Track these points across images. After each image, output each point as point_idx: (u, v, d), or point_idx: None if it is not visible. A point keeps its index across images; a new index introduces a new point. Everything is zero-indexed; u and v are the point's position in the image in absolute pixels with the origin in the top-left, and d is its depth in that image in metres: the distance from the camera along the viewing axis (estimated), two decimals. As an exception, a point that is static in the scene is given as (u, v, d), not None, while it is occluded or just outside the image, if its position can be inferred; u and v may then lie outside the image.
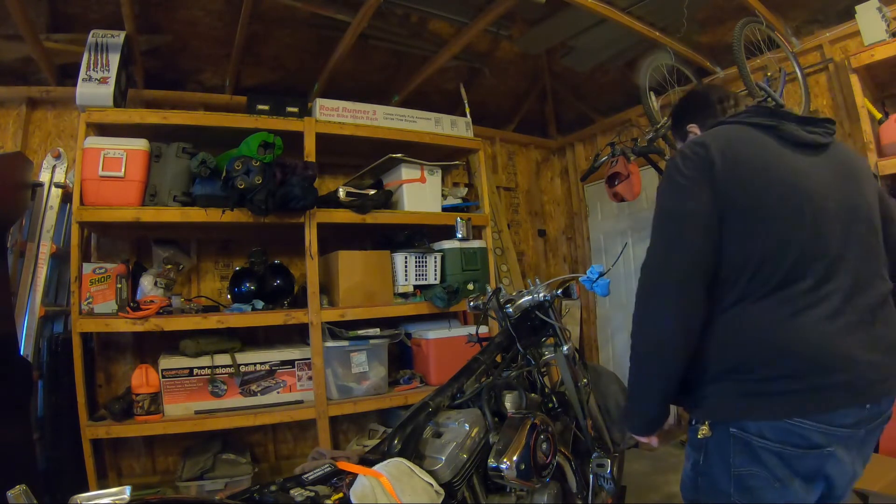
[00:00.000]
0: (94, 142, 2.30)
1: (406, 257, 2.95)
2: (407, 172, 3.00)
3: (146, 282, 2.53)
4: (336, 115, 2.82)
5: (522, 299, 1.80)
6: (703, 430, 1.09)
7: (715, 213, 1.07)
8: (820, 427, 0.99)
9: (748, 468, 1.04)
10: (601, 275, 1.70)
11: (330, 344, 2.61)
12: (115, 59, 2.41)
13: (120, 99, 2.46)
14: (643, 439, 1.24)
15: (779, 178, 1.10)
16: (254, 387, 2.53)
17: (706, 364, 1.09)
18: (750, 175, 1.09)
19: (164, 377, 2.37)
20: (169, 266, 2.66)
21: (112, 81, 2.38)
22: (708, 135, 1.18)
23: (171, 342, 2.58)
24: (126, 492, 0.88)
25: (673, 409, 3.82)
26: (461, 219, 2.88)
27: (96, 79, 2.37)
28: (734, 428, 1.05)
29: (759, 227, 1.06)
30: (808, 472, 1.02)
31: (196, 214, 2.41)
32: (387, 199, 2.92)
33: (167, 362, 2.39)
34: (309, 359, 2.60)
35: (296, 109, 2.85)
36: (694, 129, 1.38)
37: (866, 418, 1.03)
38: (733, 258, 1.06)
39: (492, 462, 1.40)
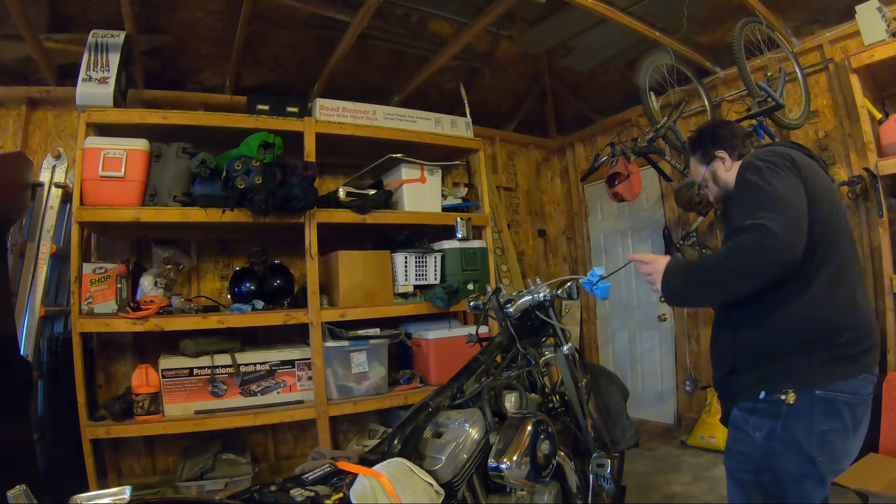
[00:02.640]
0: (94, 142, 2.30)
1: (406, 257, 2.95)
2: (407, 172, 3.00)
3: (146, 282, 2.53)
4: (336, 115, 2.82)
5: (522, 299, 1.80)
6: (791, 398, 1.28)
7: (806, 202, 1.29)
8: (870, 378, 1.31)
9: (829, 424, 1.27)
10: (601, 278, 1.70)
11: (330, 344, 2.61)
12: (115, 59, 2.41)
13: (120, 99, 2.46)
14: (658, 287, 1.40)
15: (827, 187, 1.41)
16: (254, 387, 2.53)
17: (790, 339, 1.30)
18: (816, 180, 1.37)
19: (164, 377, 2.37)
20: (169, 266, 2.66)
21: (112, 81, 2.38)
22: (783, 147, 1.45)
23: (171, 342, 2.58)
24: (126, 492, 0.88)
25: (673, 410, 3.84)
26: (461, 219, 2.87)
27: (96, 79, 2.37)
28: (819, 390, 1.27)
29: (825, 218, 1.33)
30: (859, 419, 1.31)
31: (196, 214, 2.41)
32: (387, 199, 2.92)
33: (167, 362, 2.39)
34: (309, 359, 2.60)
35: (296, 109, 2.85)
36: (723, 154, 1.57)
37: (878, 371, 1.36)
38: (810, 240, 1.26)
39: (492, 462, 1.39)
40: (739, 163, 1.51)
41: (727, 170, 1.55)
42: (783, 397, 1.29)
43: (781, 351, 1.31)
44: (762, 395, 1.33)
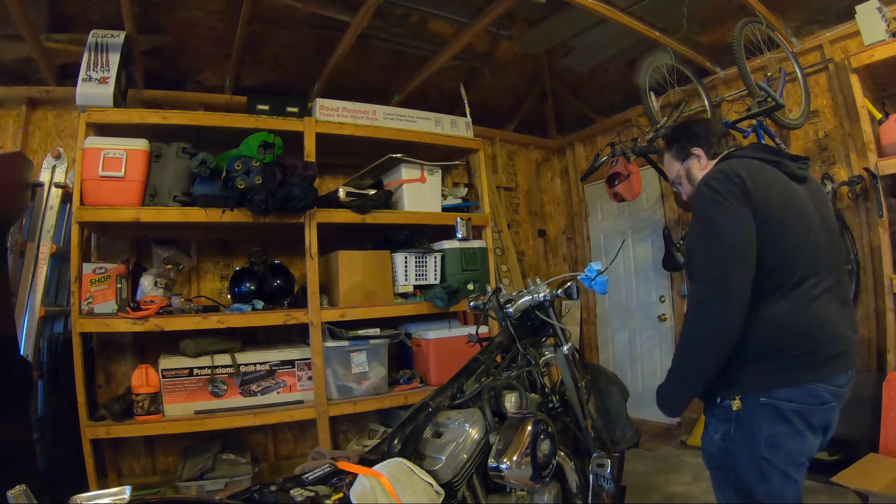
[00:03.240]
0: (94, 142, 2.30)
1: (406, 257, 2.95)
2: (407, 172, 3.00)
3: (146, 282, 2.53)
4: (336, 115, 2.82)
5: (522, 299, 1.80)
6: (736, 404, 1.36)
7: (754, 229, 1.34)
8: (829, 388, 1.32)
9: (775, 428, 1.33)
10: (599, 273, 1.70)
11: (330, 344, 2.61)
12: (115, 59, 2.41)
13: (120, 99, 2.46)
14: (675, 420, 1.55)
15: (790, 201, 1.41)
16: (254, 387, 2.53)
17: (739, 350, 1.34)
18: (773, 198, 1.38)
19: (164, 377, 2.37)
20: (169, 266, 2.66)
21: (112, 81, 2.37)
22: (736, 165, 1.42)
23: (171, 342, 2.58)
24: (126, 492, 0.88)
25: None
26: (461, 219, 2.88)
27: (96, 79, 2.37)
28: (764, 398, 1.33)
29: (780, 237, 1.35)
30: (818, 424, 1.35)
31: (196, 214, 2.41)
32: (387, 199, 2.92)
33: (167, 362, 2.39)
34: (309, 359, 2.60)
35: (296, 109, 2.85)
36: (699, 152, 1.59)
37: (849, 380, 1.38)
38: (763, 262, 1.33)
39: (492, 462, 1.39)
40: (714, 162, 1.55)
41: (702, 168, 1.57)
42: (731, 403, 1.37)
43: (736, 360, 1.36)
44: (718, 399, 1.42)
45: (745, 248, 1.33)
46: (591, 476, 1.79)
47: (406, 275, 2.95)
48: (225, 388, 2.47)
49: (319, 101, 2.79)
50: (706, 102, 3.36)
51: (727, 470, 1.42)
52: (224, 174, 2.38)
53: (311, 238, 2.61)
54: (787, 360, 1.33)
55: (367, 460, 1.35)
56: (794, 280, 1.35)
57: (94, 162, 2.26)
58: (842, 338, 1.37)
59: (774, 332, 1.34)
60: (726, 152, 1.57)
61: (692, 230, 1.49)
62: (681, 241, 3.19)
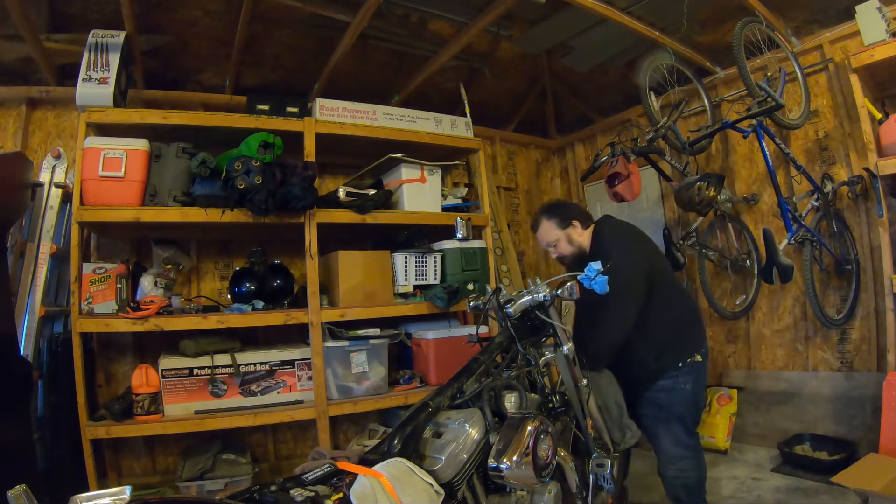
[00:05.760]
0: (94, 142, 2.30)
1: (406, 257, 2.95)
2: (407, 172, 3.00)
3: (146, 282, 2.53)
4: (336, 115, 2.81)
5: (522, 299, 1.80)
6: (698, 358, 2.14)
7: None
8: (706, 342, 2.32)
9: (707, 363, 2.22)
10: (599, 272, 1.70)
11: (330, 344, 2.61)
12: (115, 59, 2.41)
13: (120, 99, 2.46)
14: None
15: (657, 251, 2.36)
16: (254, 387, 2.53)
17: (683, 327, 2.19)
18: (647, 241, 2.31)
19: (164, 377, 2.36)
20: (169, 266, 2.66)
21: (112, 81, 2.37)
22: (624, 223, 2.36)
23: (171, 342, 2.58)
24: (126, 492, 0.88)
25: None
26: (461, 219, 2.87)
27: (96, 79, 2.36)
28: (704, 349, 2.20)
29: (662, 269, 2.24)
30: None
31: (196, 214, 2.41)
32: (387, 199, 2.92)
33: (167, 362, 2.39)
34: (309, 359, 2.60)
35: (296, 109, 2.84)
36: (576, 223, 2.28)
37: None
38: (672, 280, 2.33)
39: (492, 462, 1.40)
40: (588, 230, 2.27)
41: (579, 235, 2.27)
42: (693, 360, 2.13)
43: (678, 335, 2.15)
44: (680, 364, 2.12)
45: (642, 270, 2.11)
46: (591, 476, 1.79)
47: (406, 275, 2.95)
48: (225, 388, 2.47)
49: (319, 101, 2.79)
50: (706, 102, 3.36)
51: (693, 404, 2.14)
52: (224, 174, 2.37)
53: (311, 238, 2.61)
54: (698, 327, 2.28)
55: (367, 460, 1.35)
56: (675, 289, 2.30)
57: (94, 162, 2.26)
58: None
59: (689, 315, 2.25)
60: (594, 222, 2.31)
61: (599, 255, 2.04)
62: (681, 241, 3.19)
